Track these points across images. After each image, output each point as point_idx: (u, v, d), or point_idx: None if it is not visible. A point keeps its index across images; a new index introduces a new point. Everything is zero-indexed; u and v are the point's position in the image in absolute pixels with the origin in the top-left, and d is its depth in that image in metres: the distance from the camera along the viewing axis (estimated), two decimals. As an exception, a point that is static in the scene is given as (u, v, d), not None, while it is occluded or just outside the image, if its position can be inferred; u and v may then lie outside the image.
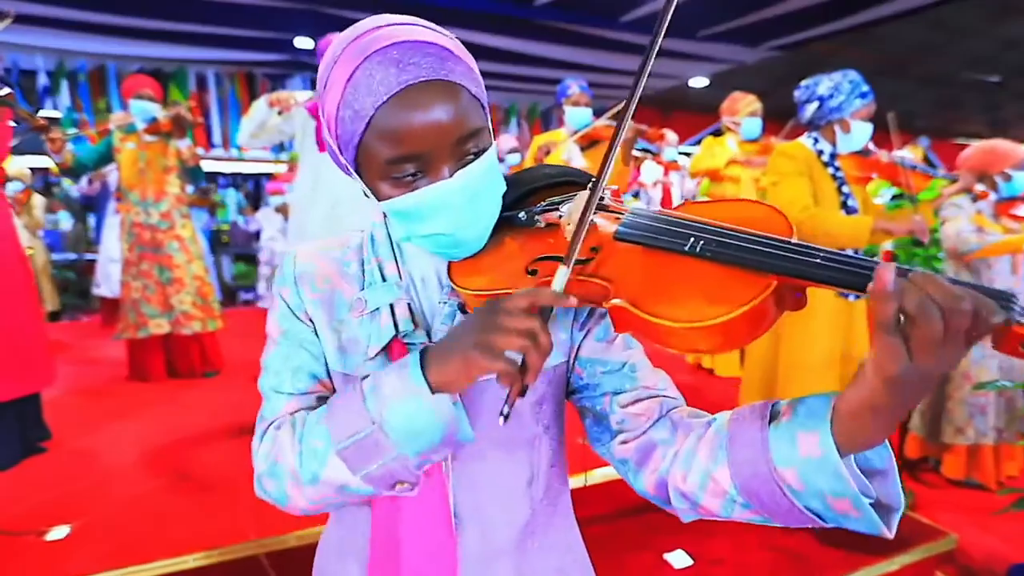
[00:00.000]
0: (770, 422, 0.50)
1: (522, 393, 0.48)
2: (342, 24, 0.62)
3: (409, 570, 0.63)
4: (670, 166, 4.61)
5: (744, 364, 2.37)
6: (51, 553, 1.71)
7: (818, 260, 0.43)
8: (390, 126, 0.52)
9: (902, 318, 0.39)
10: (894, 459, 0.49)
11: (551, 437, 0.68)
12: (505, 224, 0.62)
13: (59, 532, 1.79)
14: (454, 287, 0.60)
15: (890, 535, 0.47)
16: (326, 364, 0.64)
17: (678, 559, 1.95)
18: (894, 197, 3.93)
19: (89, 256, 6.21)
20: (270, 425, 0.61)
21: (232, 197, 7.94)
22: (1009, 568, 1.90)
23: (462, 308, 0.63)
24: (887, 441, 0.48)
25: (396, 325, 0.61)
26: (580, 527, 0.77)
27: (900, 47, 7.03)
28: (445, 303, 0.63)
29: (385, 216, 0.66)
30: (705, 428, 0.57)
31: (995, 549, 2.12)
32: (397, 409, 0.51)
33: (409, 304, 0.62)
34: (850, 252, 0.48)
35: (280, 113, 2.46)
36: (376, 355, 0.61)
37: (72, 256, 6.42)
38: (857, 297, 2.04)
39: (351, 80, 0.53)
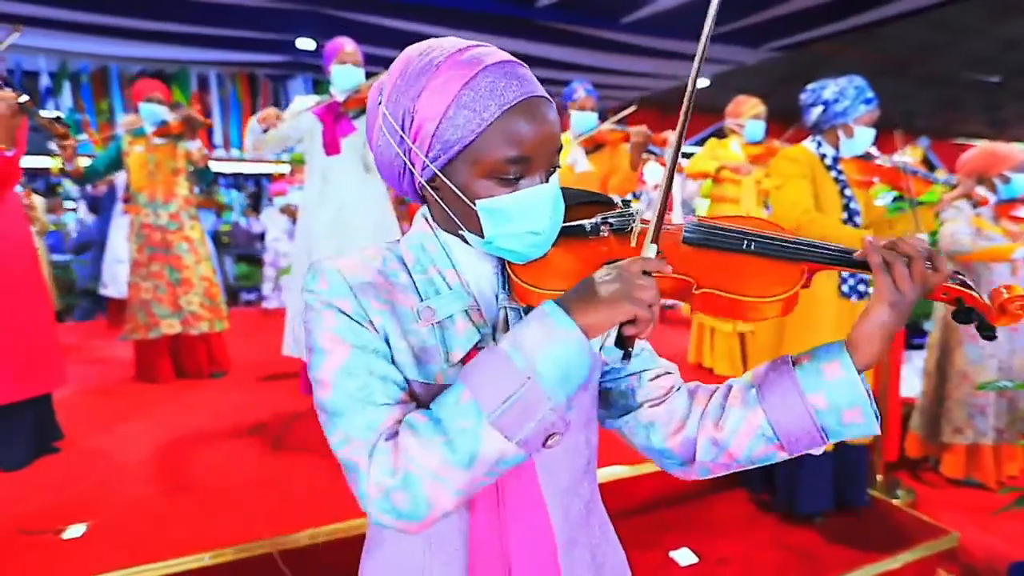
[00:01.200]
0: (794, 367, 0.65)
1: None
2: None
3: (517, 558, 0.66)
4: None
5: (748, 363, 2.40)
6: (68, 551, 1.73)
7: (829, 252, 0.65)
8: (514, 129, 0.59)
9: (885, 264, 0.61)
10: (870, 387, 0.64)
11: (596, 424, 0.75)
12: (566, 233, 0.68)
13: (76, 530, 1.82)
14: (530, 288, 0.63)
15: (878, 431, 0.63)
16: (401, 373, 0.62)
17: (684, 557, 1.98)
18: (895, 199, 3.96)
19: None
20: (378, 440, 0.56)
21: (234, 198, 7.95)
22: (1010, 566, 1.93)
23: (528, 311, 0.65)
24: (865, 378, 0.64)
25: (479, 329, 0.64)
26: None
27: (901, 47, 7.05)
28: (506, 308, 0.66)
29: (431, 226, 0.68)
30: (727, 389, 0.70)
31: (996, 547, 2.15)
32: (548, 356, 0.53)
33: (479, 310, 0.66)
34: (846, 248, 0.66)
35: (266, 131, 2.50)
36: (459, 360, 0.63)
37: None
38: (860, 298, 2.08)
39: (469, 84, 0.59)
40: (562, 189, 0.71)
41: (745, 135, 3.28)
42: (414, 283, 0.65)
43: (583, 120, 2.81)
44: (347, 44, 2.51)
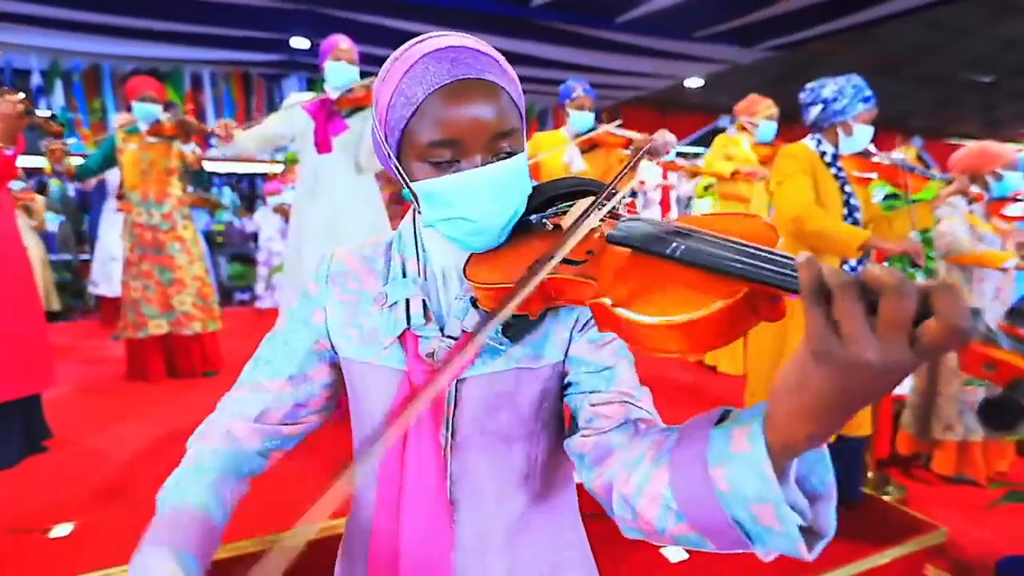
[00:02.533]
0: (717, 423, 0.49)
1: None
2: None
3: (408, 557, 0.66)
4: (668, 166, 4.64)
5: (748, 360, 2.40)
6: (55, 550, 1.73)
7: (776, 268, 0.42)
8: (437, 112, 0.59)
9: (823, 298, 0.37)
10: (835, 488, 0.47)
11: (548, 436, 0.70)
12: (522, 226, 0.66)
13: (63, 530, 1.81)
14: (469, 280, 0.62)
15: (809, 557, 0.44)
16: (318, 363, 0.73)
17: (674, 554, 1.99)
18: (887, 197, 3.98)
19: (83, 256, 6.20)
20: (223, 404, 0.75)
21: (227, 197, 7.93)
22: (998, 560, 1.94)
23: (474, 303, 0.65)
24: (830, 466, 0.46)
25: (409, 318, 0.66)
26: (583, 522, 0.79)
27: (895, 47, 7.08)
28: (460, 299, 0.67)
29: (414, 216, 0.71)
30: (661, 435, 0.56)
31: (985, 542, 2.16)
32: None
33: (424, 300, 0.66)
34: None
35: (222, 138, 2.52)
36: (390, 344, 0.67)
37: (67, 256, 6.41)
38: None
39: (408, 72, 0.60)
40: (562, 180, 0.70)
41: (757, 135, 3.30)
42: (387, 269, 0.70)
43: (581, 119, 2.81)
44: (343, 41, 2.51)
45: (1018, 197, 2.64)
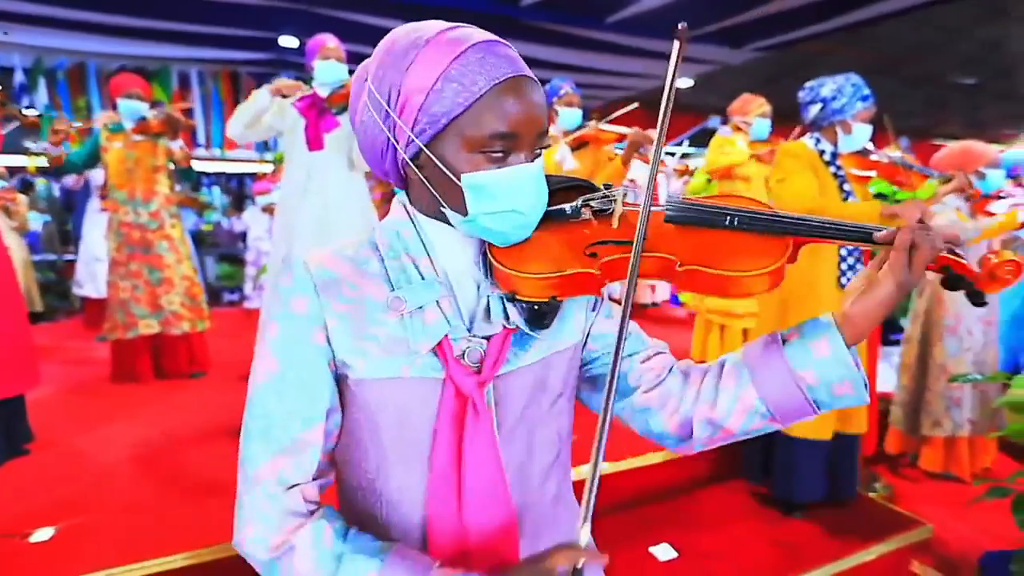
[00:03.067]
0: (783, 345, 0.66)
1: None
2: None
3: (476, 555, 0.65)
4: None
5: (758, 320, 2.42)
6: (36, 555, 1.70)
7: (814, 224, 0.64)
8: (503, 104, 0.58)
9: (912, 247, 0.61)
10: (858, 354, 0.65)
11: (568, 418, 0.74)
12: (548, 217, 0.67)
13: (44, 534, 1.78)
14: (513, 273, 0.62)
15: (868, 400, 0.65)
16: (339, 389, 0.64)
17: (663, 552, 1.99)
18: (876, 196, 4.02)
19: (68, 256, 6.11)
20: (260, 490, 0.60)
21: (216, 197, 7.85)
22: (982, 555, 1.96)
23: (511, 298, 0.65)
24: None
25: (448, 321, 0.63)
26: None
27: (882, 49, 7.14)
28: (489, 296, 0.66)
29: (408, 212, 0.67)
30: (719, 368, 0.71)
31: (969, 538, 2.18)
32: None
33: (451, 300, 0.64)
34: (834, 220, 0.65)
35: (285, 96, 2.41)
36: (426, 352, 0.62)
37: (51, 256, 6.31)
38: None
39: (459, 59, 0.58)
40: (548, 176, 0.70)
41: (751, 133, 3.31)
42: (386, 271, 0.64)
43: (570, 116, 2.81)
44: (329, 40, 2.49)
45: (1001, 195, 2.68)
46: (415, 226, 0.66)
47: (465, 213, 0.62)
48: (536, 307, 0.66)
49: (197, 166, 7.63)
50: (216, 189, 8.02)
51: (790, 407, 0.65)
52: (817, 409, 0.65)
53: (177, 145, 3.18)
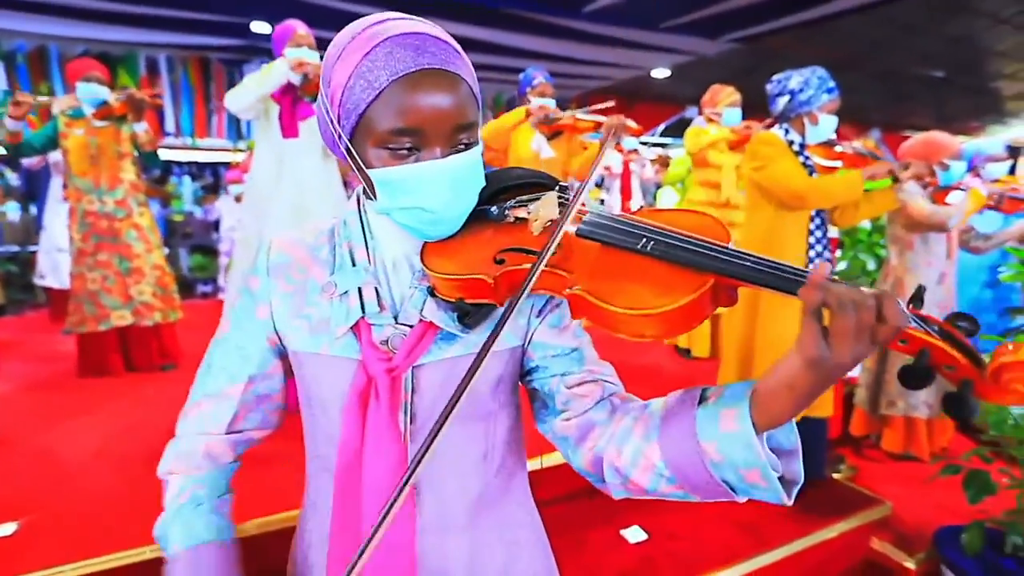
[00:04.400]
0: (699, 404, 0.57)
1: None
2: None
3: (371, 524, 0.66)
4: (630, 155, 4.69)
5: (723, 344, 2.47)
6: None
7: (748, 264, 0.51)
8: (400, 100, 0.58)
9: (824, 312, 0.48)
10: (799, 442, 0.57)
11: (507, 415, 0.72)
12: (478, 217, 0.66)
13: (5, 529, 1.75)
14: (427, 269, 0.63)
15: (789, 502, 0.54)
16: (272, 359, 0.72)
17: (633, 535, 2.03)
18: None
19: (31, 248, 5.93)
20: (183, 425, 0.74)
21: (187, 187, 7.68)
22: (936, 530, 2.04)
23: (431, 292, 0.65)
24: (794, 425, 0.56)
25: (363, 307, 0.65)
26: (540, 508, 0.80)
27: (853, 42, 7.27)
28: (416, 288, 0.66)
29: (359, 203, 0.70)
30: (641, 411, 0.63)
31: (926, 515, 2.27)
32: None
33: (376, 288, 0.66)
34: (778, 261, 0.51)
35: (307, 74, 2.34)
36: (343, 334, 0.65)
37: (14, 248, 6.12)
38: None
39: (369, 54, 0.58)
40: (508, 170, 0.71)
41: (722, 123, 3.35)
42: (333, 258, 0.68)
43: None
44: (299, 27, 2.45)
45: (960, 187, 2.76)
46: (361, 215, 0.69)
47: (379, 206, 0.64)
48: (454, 306, 0.64)
49: (166, 155, 7.46)
50: (187, 179, 7.83)
51: (697, 481, 0.55)
52: (732, 491, 0.55)
53: (142, 128, 3.08)
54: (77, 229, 3.06)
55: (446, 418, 0.51)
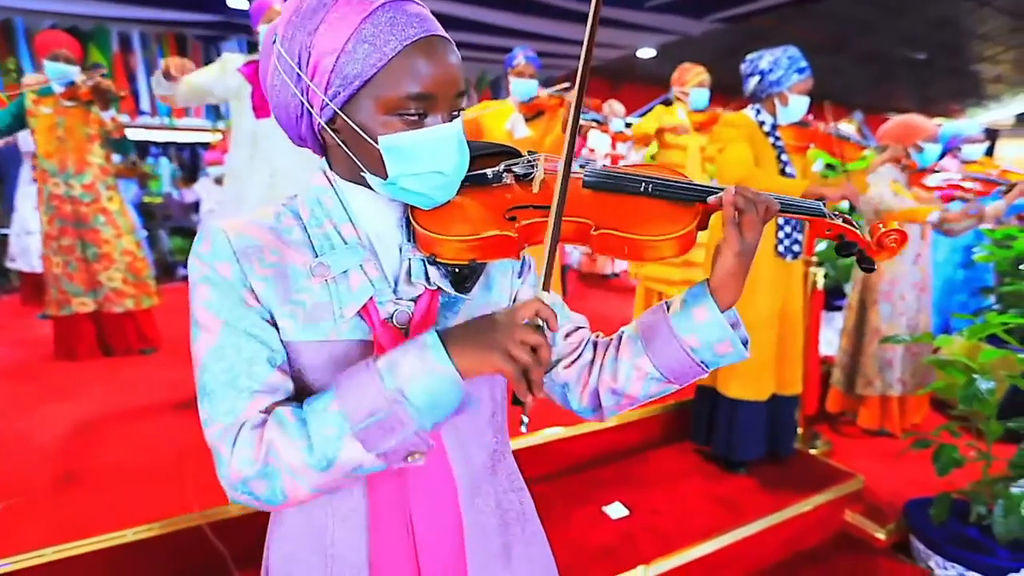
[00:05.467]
0: (667, 312, 0.71)
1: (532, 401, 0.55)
2: None
3: (420, 515, 0.67)
4: (617, 136, 4.66)
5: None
6: (-23, 536, 1.65)
7: (715, 192, 0.68)
8: (416, 65, 0.58)
9: (737, 214, 0.66)
10: (737, 313, 0.71)
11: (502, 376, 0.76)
12: (469, 182, 0.68)
13: (-16, 514, 1.73)
14: (433, 235, 0.62)
15: (747, 354, 0.70)
16: (281, 344, 0.62)
17: (615, 511, 2.07)
18: (827, 166, 4.14)
19: (3, 231, 5.77)
20: (241, 427, 0.58)
21: (165, 168, 7.50)
22: (906, 503, 2.11)
23: (432, 260, 0.65)
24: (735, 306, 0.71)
25: (372, 284, 0.64)
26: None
27: (837, 23, 7.26)
28: (411, 258, 0.66)
29: (329, 179, 0.67)
30: (619, 339, 0.76)
31: (897, 488, 2.35)
32: (419, 386, 0.54)
33: (375, 264, 0.65)
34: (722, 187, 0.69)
35: (167, 78, 2.33)
36: (352, 316, 0.63)
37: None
38: (795, 257, 2.21)
39: (369, 18, 0.57)
40: (473, 142, 0.71)
41: (690, 103, 3.33)
42: (309, 239, 0.65)
43: (522, 87, 2.77)
44: (276, 3, 2.38)
45: (936, 169, 2.80)
46: (336, 192, 0.67)
47: (385, 176, 0.62)
48: (457, 270, 0.67)
49: (144, 135, 7.24)
50: (164, 160, 7.65)
51: (681, 369, 0.71)
52: (705, 368, 0.71)
53: (108, 116, 3.00)
54: (44, 212, 2.99)
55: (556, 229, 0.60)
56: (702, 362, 0.70)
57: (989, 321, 2.04)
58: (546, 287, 0.59)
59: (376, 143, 0.60)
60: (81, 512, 1.76)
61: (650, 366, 0.71)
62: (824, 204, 0.71)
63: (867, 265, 0.70)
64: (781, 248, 2.19)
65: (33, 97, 2.92)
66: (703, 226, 0.68)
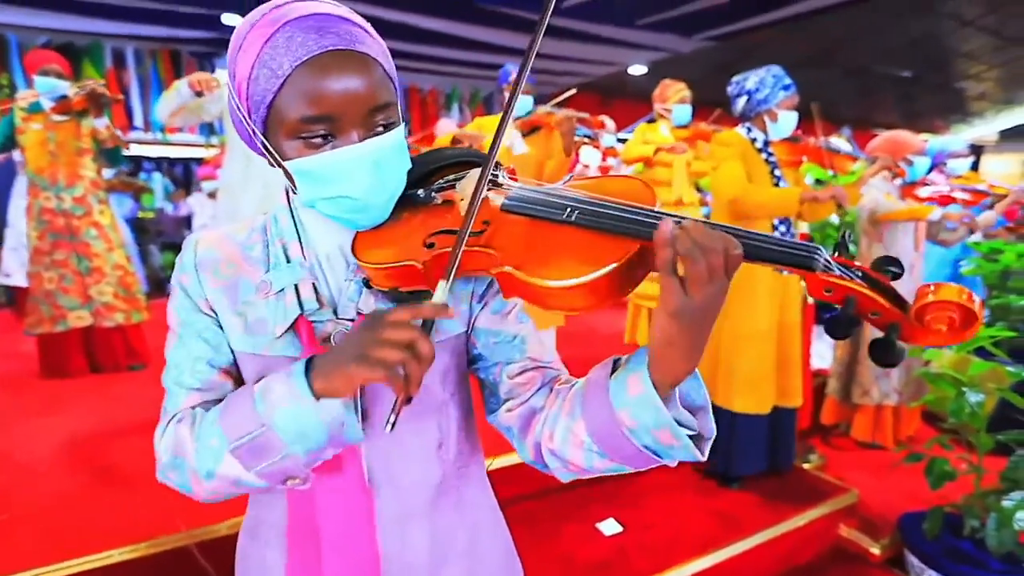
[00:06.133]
0: (611, 373, 0.57)
1: (407, 401, 0.51)
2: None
3: (328, 536, 0.66)
4: (608, 152, 4.71)
5: None
6: (-43, 558, 1.61)
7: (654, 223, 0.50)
8: (307, 86, 0.55)
9: (675, 262, 0.48)
10: (708, 396, 0.58)
11: (457, 404, 0.72)
12: (407, 201, 0.64)
13: (-35, 535, 1.69)
14: (359, 260, 0.62)
15: (702, 458, 0.55)
16: (231, 351, 0.66)
17: (609, 527, 2.05)
18: (816, 182, 4.20)
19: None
20: (172, 419, 0.64)
21: (158, 182, 7.49)
22: (900, 516, 2.11)
23: (367, 283, 0.64)
24: (701, 380, 0.57)
25: (301, 304, 0.63)
26: (514, 504, 0.82)
27: (824, 40, 7.41)
28: (351, 280, 0.65)
29: (288, 199, 0.68)
30: (568, 390, 0.64)
31: (891, 501, 2.34)
32: (284, 413, 0.55)
33: (314, 284, 0.64)
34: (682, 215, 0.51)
35: (200, 94, 2.34)
36: (283, 334, 0.63)
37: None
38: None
39: (269, 41, 0.56)
40: (439, 150, 0.69)
41: (672, 119, 3.37)
42: (267, 256, 0.66)
43: (519, 103, 2.80)
44: None
45: (926, 183, 2.85)
46: (291, 210, 0.68)
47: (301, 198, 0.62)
48: (390, 295, 0.64)
49: (137, 150, 7.23)
50: (157, 175, 7.64)
51: (620, 450, 0.56)
52: (656, 456, 0.55)
53: (103, 124, 2.98)
54: (34, 227, 2.97)
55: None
56: (644, 446, 0.54)
57: (977, 334, 2.05)
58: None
59: (286, 167, 0.60)
60: (67, 532, 1.72)
61: (585, 435, 0.57)
62: (822, 251, 0.47)
63: (886, 355, 0.44)
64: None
65: (23, 115, 2.91)
66: (653, 267, 0.51)
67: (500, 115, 2.61)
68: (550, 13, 0.55)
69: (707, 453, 0.56)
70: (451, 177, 0.65)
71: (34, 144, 2.91)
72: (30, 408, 2.67)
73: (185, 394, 0.65)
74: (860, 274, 0.46)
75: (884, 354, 0.44)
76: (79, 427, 2.45)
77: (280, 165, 0.61)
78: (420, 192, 0.64)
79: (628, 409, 0.54)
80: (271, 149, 0.60)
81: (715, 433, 0.57)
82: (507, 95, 2.80)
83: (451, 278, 0.53)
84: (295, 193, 0.63)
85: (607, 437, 0.56)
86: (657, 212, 0.51)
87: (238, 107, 0.60)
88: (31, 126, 2.91)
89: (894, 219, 2.72)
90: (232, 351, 0.66)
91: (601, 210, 0.53)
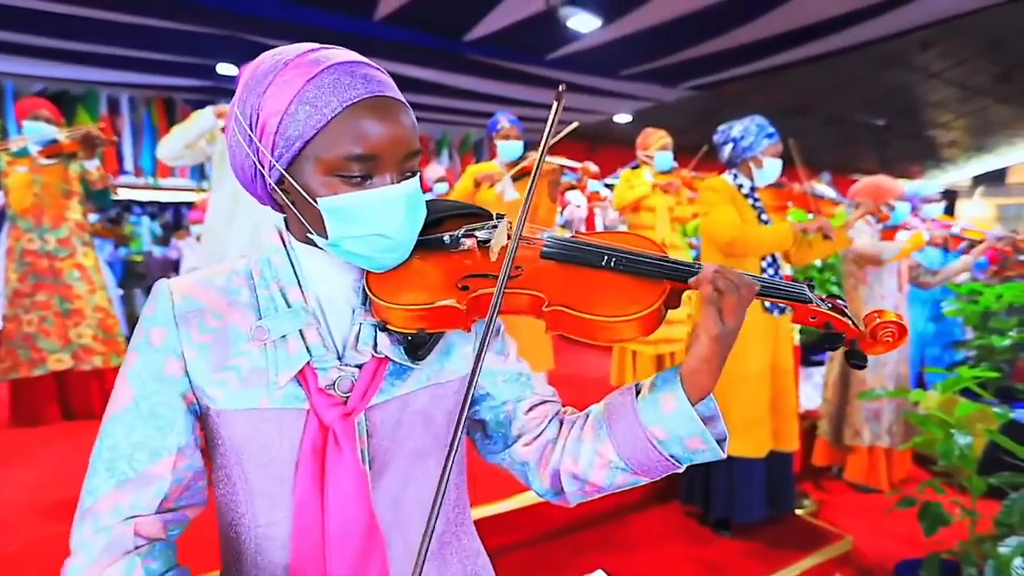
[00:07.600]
0: (636, 397, 0.65)
1: None
2: (266, 51, 0.63)
3: None
4: (593, 197, 4.80)
5: None
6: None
7: (694, 270, 0.63)
8: (356, 125, 0.57)
9: (717, 295, 0.60)
10: (718, 406, 0.65)
11: (463, 450, 0.73)
12: (424, 246, 0.65)
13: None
14: (381, 303, 0.61)
15: (724, 455, 0.64)
16: (188, 428, 0.61)
17: (599, 578, 1.97)
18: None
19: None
20: (99, 528, 0.58)
21: (146, 227, 7.49)
22: (897, 564, 2.05)
23: (383, 327, 0.63)
24: (711, 395, 0.65)
25: (309, 350, 0.61)
26: (505, 553, 0.81)
27: (802, 90, 7.74)
28: (362, 323, 0.64)
29: (283, 240, 0.66)
30: (585, 419, 0.70)
31: (886, 548, 2.28)
32: None
33: (317, 329, 0.63)
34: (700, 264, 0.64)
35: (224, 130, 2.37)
36: (286, 383, 0.61)
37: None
38: (781, 312, 2.24)
39: (313, 80, 0.57)
40: (433, 201, 0.70)
41: (655, 165, 3.45)
42: (256, 301, 0.63)
43: (509, 148, 2.86)
44: None
45: (906, 227, 2.91)
46: (288, 252, 0.66)
47: (328, 237, 0.61)
48: (409, 338, 0.64)
49: (126, 194, 7.26)
50: (145, 219, 7.65)
51: (648, 462, 0.64)
52: (677, 463, 0.64)
53: (93, 165, 3.00)
54: (14, 269, 2.93)
55: (457, 431, 0.55)
56: (672, 456, 0.63)
57: (961, 375, 2.06)
58: (476, 365, 0.55)
59: (317, 203, 0.59)
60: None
61: (613, 454, 0.65)
62: (810, 288, 0.64)
63: (857, 361, 0.61)
64: (767, 303, 2.22)
65: (8, 159, 2.92)
66: (674, 304, 0.63)
67: (501, 165, 2.63)
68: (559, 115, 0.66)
69: (726, 450, 0.64)
70: (472, 226, 0.68)
71: (19, 186, 2.91)
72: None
73: (113, 486, 0.58)
74: (830, 305, 0.63)
75: (856, 358, 0.62)
76: (52, 477, 2.35)
77: (303, 203, 0.60)
78: (446, 237, 0.66)
79: (661, 424, 0.62)
80: (296, 186, 0.60)
81: (728, 435, 0.65)
82: (498, 144, 2.86)
83: (494, 315, 0.57)
84: (312, 234, 0.62)
85: (636, 452, 0.64)
86: (675, 261, 0.63)
87: (249, 144, 0.60)
88: (16, 169, 2.91)
89: (898, 260, 2.77)
90: (192, 424, 0.62)
91: (633, 258, 0.63)
